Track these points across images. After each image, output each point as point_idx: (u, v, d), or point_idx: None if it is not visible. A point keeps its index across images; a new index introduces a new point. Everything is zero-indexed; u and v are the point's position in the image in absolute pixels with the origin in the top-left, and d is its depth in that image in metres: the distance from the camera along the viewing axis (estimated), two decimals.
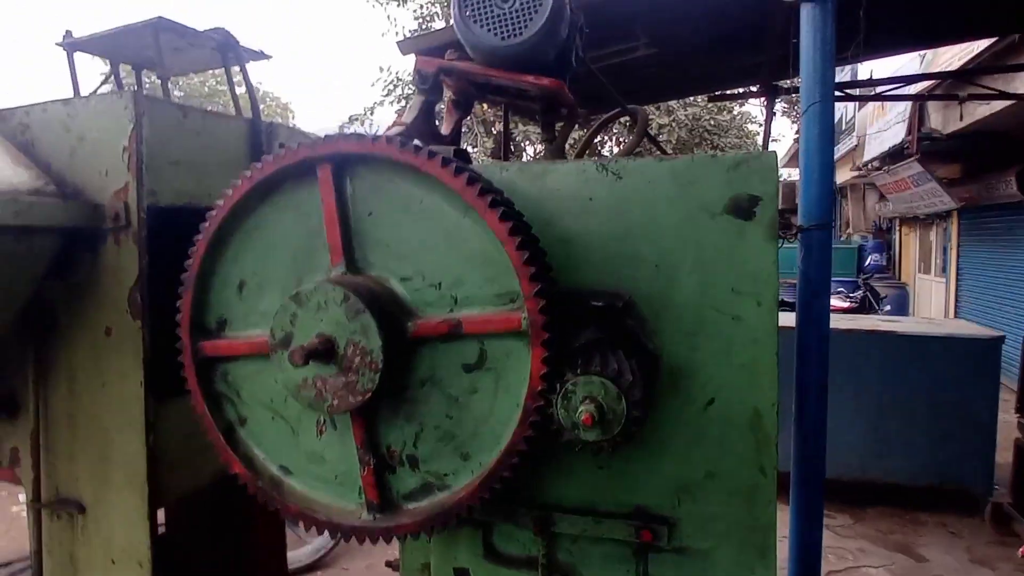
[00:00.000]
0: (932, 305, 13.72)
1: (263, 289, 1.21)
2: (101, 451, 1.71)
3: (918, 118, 8.08)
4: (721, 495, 1.22)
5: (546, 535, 1.25)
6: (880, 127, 9.95)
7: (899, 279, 15.29)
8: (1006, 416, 5.17)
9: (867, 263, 14.72)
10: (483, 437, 1.09)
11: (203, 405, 1.21)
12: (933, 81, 6.68)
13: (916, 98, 6.76)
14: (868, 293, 13.02)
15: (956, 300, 12.60)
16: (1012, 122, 6.87)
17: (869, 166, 11.09)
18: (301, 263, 1.17)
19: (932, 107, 7.88)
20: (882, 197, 13.02)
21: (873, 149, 10.21)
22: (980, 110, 6.66)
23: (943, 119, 7.81)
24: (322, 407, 1.08)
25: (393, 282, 1.11)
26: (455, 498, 1.08)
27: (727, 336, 1.19)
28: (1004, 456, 5.45)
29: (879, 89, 5.25)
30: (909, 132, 8.39)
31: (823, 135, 1.83)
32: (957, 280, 12.79)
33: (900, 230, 15.92)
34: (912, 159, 8.72)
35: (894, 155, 9.78)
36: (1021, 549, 4.74)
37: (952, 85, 6.46)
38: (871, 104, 9.95)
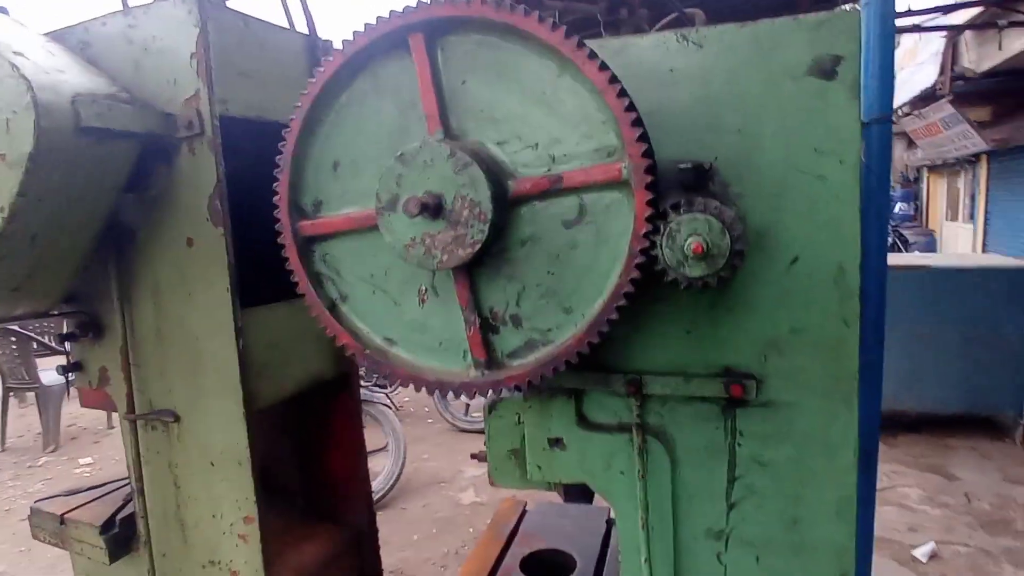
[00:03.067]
0: (959, 250, 13.63)
1: (357, 168, 1.26)
2: (192, 361, 1.78)
3: (951, 57, 7.92)
4: (807, 349, 1.27)
5: (639, 396, 1.31)
6: (911, 72, 9.77)
7: (926, 227, 15.21)
8: None
9: (895, 211, 14.67)
10: (584, 289, 1.14)
11: (306, 282, 1.27)
12: (972, 12, 6.51)
13: (955, 28, 6.61)
14: (897, 240, 13.00)
15: (984, 245, 12.53)
16: None
17: (899, 112, 10.91)
18: (395, 139, 1.22)
19: (966, 45, 7.70)
20: (911, 145, 12.84)
21: (903, 95, 10.06)
22: (1016, 44, 6.51)
23: (977, 57, 7.64)
24: (431, 264, 1.13)
25: (490, 146, 1.15)
26: (559, 349, 1.14)
27: (810, 195, 1.23)
28: None
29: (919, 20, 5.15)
30: (942, 72, 8.23)
31: (883, 27, 1.82)
32: (985, 225, 12.70)
33: (928, 179, 15.76)
34: (944, 100, 8.57)
35: (925, 98, 9.62)
36: None
37: (992, 15, 6.31)
38: (902, 48, 9.78)
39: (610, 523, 2.03)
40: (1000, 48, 6.84)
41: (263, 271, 1.88)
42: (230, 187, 1.71)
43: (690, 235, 1.02)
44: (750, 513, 1.35)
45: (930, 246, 13.65)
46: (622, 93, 1.03)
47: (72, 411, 6.63)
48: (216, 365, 1.74)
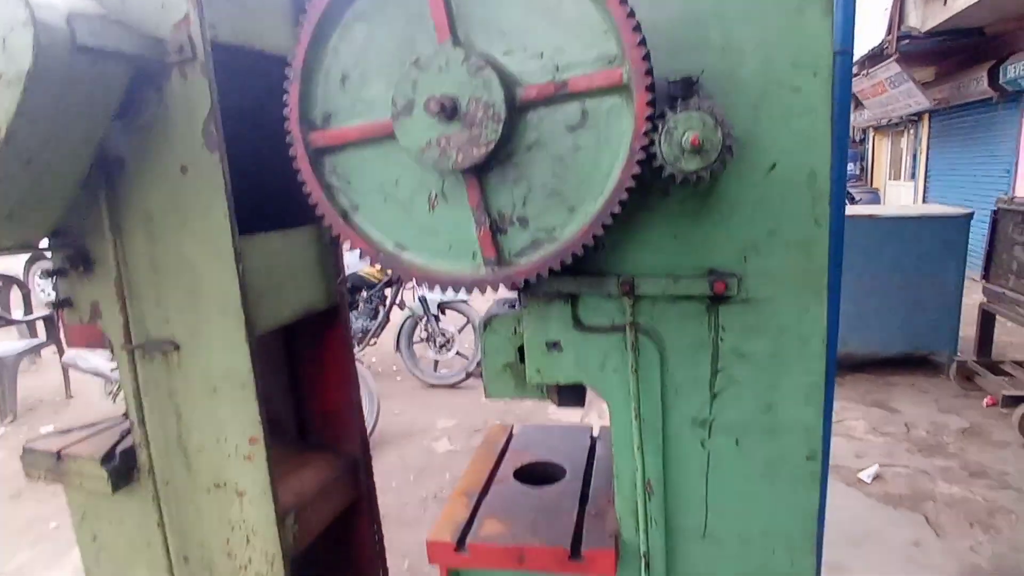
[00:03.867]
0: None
1: (366, 80, 1.31)
2: (190, 288, 1.81)
3: (899, 16, 8.23)
4: (782, 249, 1.40)
5: (631, 296, 1.43)
6: (860, 31, 10.14)
7: (871, 186, 15.91)
8: (974, 289, 5.56)
9: None
10: (588, 189, 1.24)
11: (319, 192, 1.33)
12: None
13: None
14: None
15: (923, 201, 13.21)
16: (989, 15, 7.04)
17: None
18: (403, 51, 1.27)
19: (913, 3, 8.00)
20: (858, 106, 13.30)
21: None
22: (960, 1, 6.81)
23: (922, 16, 7.95)
24: (447, 164, 1.21)
25: (498, 56, 1.22)
26: (564, 245, 1.24)
27: (787, 106, 1.35)
28: (966, 330, 5.85)
29: None
30: (889, 31, 8.54)
31: None
32: (925, 182, 13.36)
33: (873, 139, 16.39)
34: (891, 59, 8.92)
35: (873, 58, 9.97)
36: (986, 399, 5.21)
37: None
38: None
39: (594, 439, 2.17)
40: (945, 4, 7.15)
41: (251, 202, 1.91)
42: (223, 114, 1.72)
43: (687, 130, 1.12)
44: (730, 401, 1.50)
45: (874, 203, 14.34)
46: (623, 1, 1.11)
47: (29, 383, 6.45)
48: (215, 291, 1.77)
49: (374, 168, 1.33)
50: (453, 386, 6.01)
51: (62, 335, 5.31)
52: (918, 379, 5.75)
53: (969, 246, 5.70)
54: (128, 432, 2.09)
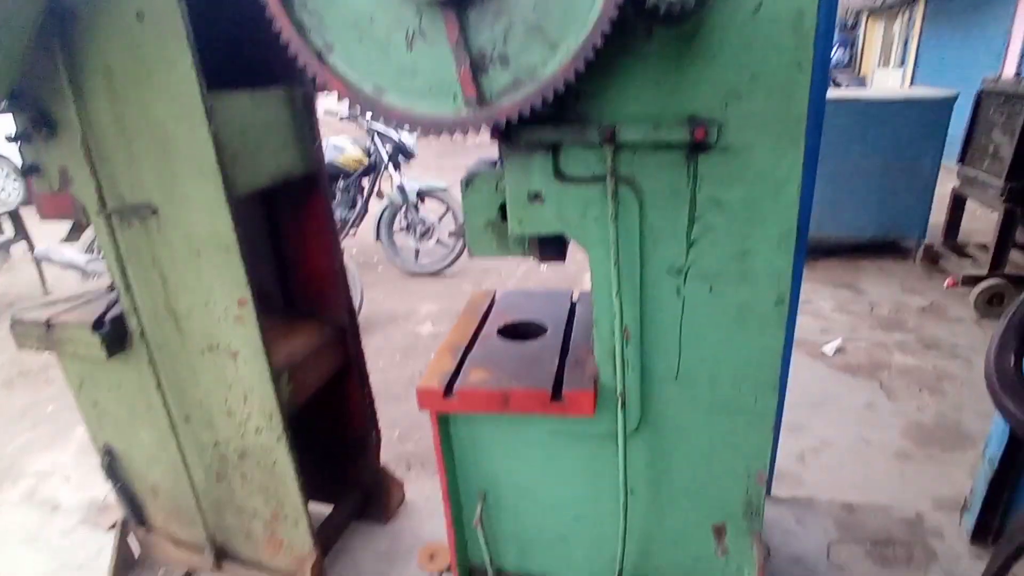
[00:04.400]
0: None
1: None
2: (161, 149, 1.77)
3: None
4: (763, 94, 1.40)
5: (612, 143, 1.44)
6: None
7: (859, 73, 15.63)
8: (948, 178, 5.62)
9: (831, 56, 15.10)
10: (570, 22, 1.21)
11: (291, 29, 1.28)
12: None
13: None
14: (831, 83, 13.48)
15: (911, 86, 13.05)
16: None
17: None
18: None
19: None
20: None
21: None
22: None
23: None
24: None
25: None
26: (546, 82, 1.23)
27: None
28: (936, 217, 5.96)
29: None
30: None
31: None
32: (914, 68, 13.15)
33: (866, 24, 15.88)
34: None
35: None
36: (947, 280, 5.42)
37: None
38: None
39: (573, 303, 2.25)
40: None
41: (218, 59, 1.83)
42: None
43: None
44: (706, 249, 1.55)
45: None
46: None
47: (3, 281, 6.39)
48: (189, 151, 1.74)
49: (347, 2, 1.28)
50: (435, 274, 6.08)
51: (36, 211, 5.17)
52: (886, 263, 5.93)
53: (949, 134, 5.72)
54: (115, 301, 2.12)
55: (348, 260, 4.85)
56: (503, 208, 1.66)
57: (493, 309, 2.23)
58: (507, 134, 1.47)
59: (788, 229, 1.52)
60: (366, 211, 6.16)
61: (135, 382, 2.15)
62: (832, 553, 2.47)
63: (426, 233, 6.02)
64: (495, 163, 1.74)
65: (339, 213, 5.98)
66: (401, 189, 5.86)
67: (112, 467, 2.35)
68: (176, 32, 1.62)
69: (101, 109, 1.79)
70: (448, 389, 1.72)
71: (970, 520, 2.50)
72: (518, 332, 2.05)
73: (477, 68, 1.27)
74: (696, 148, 1.46)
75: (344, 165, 5.92)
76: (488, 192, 1.67)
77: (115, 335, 2.05)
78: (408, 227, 6.03)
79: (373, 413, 2.63)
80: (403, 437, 3.49)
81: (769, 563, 1.76)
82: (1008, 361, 1.53)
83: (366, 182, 6.07)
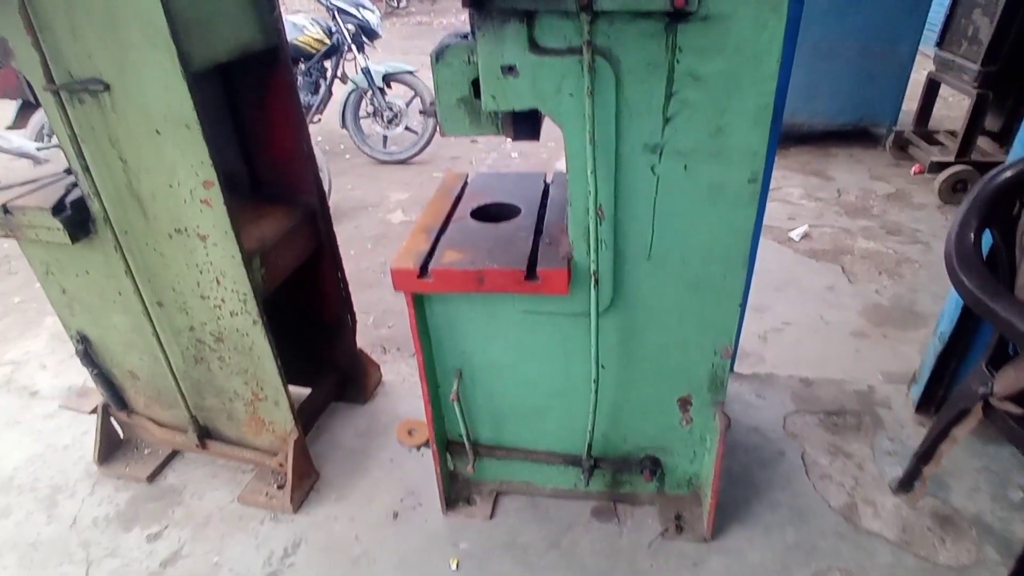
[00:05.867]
0: None
1: None
2: (108, 16, 1.63)
3: None
4: None
5: (589, 11, 1.38)
6: None
7: None
8: (924, 64, 5.54)
9: None
10: None
11: None
12: None
13: None
14: None
15: None
16: None
17: None
18: None
19: None
20: None
21: None
22: None
23: None
24: None
25: None
26: None
27: None
28: (909, 104, 5.93)
29: None
30: None
31: None
32: None
33: None
34: None
35: None
36: (914, 167, 5.49)
37: None
38: None
39: (547, 185, 2.23)
40: None
41: None
42: None
43: None
44: (682, 126, 1.54)
45: None
46: None
47: None
48: (139, 19, 1.61)
49: None
50: (404, 161, 5.95)
51: None
52: (856, 150, 5.97)
53: (929, 19, 5.57)
54: (74, 185, 2.04)
55: (315, 147, 4.72)
56: (476, 84, 1.60)
57: (466, 191, 2.21)
58: (479, 1, 1.39)
59: (765, 104, 1.50)
60: (330, 95, 5.90)
61: (103, 268, 2.12)
62: (788, 423, 2.66)
63: (394, 119, 5.81)
64: (466, 35, 1.66)
65: (303, 98, 5.72)
66: (366, 72, 5.59)
67: (88, 353, 2.36)
68: None
69: None
70: (423, 269, 1.73)
71: (917, 391, 2.69)
72: (492, 214, 2.04)
73: None
74: (675, 17, 1.41)
75: (305, 45, 5.58)
76: (460, 66, 1.60)
77: (78, 219, 1.99)
78: (375, 113, 5.81)
79: (348, 296, 2.66)
80: (377, 323, 3.56)
81: (729, 433, 1.90)
82: (968, 237, 1.59)
83: (328, 65, 5.76)
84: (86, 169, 1.90)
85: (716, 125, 1.53)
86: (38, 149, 4.64)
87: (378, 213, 4.98)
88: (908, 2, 5.50)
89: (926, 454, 2.17)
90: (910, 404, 2.73)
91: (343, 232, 4.57)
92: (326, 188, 4.56)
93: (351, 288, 2.70)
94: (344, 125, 5.90)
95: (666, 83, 1.49)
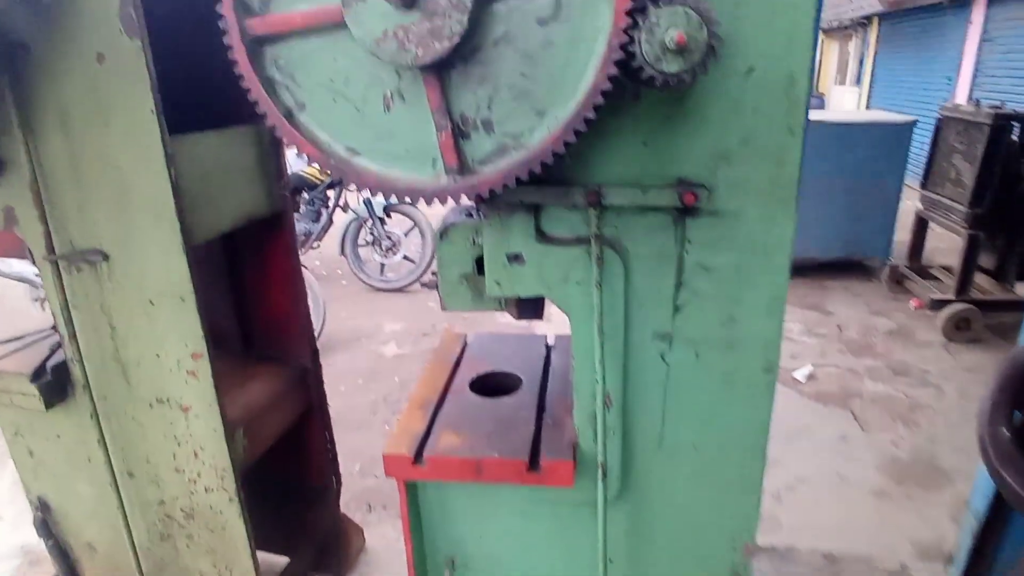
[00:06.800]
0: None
1: None
2: (117, 194, 1.64)
3: None
4: (753, 158, 1.34)
5: (598, 207, 1.36)
6: None
7: (816, 90, 16.02)
8: (910, 196, 5.74)
9: None
10: (559, 90, 1.13)
11: (259, 88, 1.17)
12: None
13: None
14: None
15: (867, 106, 13.38)
16: None
17: None
18: None
19: None
20: None
21: None
22: None
23: None
24: (406, 59, 1.07)
25: None
26: (533, 152, 1.15)
27: (770, 4, 1.25)
28: (900, 235, 6.08)
29: None
30: None
31: None
32: (870, 87, 13.48)
33: (822, 42, 16.29)
34: None
35: None
36: (912, 302, 5.51)
37: None
38: None
39: (549, 348, 2.17)
40: None
41: (184, 98, 1.72)
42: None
43: (671, 27, 1.02)
44: (693, 315, 1.49)
45: (818, 107, 14.51)
46: None
47: None
48: (146, 197, 1.62)
49: (322, 62, 1.18)
50: (400, 290, 5.95)
51: None
52: (852, 283, 6.02)
53: (911, 155, 5.84)
54: (59, 345, 1.96)
55: (310, 276, 4.70)
56: (480, 261, 1.56)
57: (465, 355, 2.13)
58: (490, 193, 1.37)
59: (778, 295, 1.46)
60: (331, 223, 6.01)
61: (75, 434, 1.99)
62: None
63: (392, 248, 5.89)
64: (471, 212, 1.65)
65: (303, 225, 5.82)
66: (367, 203, 5.72)
67: (46, 523, 2.18)
68: (139, 76, 1.50)
69: (54, 150, 1.66)
70: (418, 455, 1.62)
71: (955, 574, 2.49)
72: (491, 385, 1.95)
73: (459, 133, 1.18)
74: (684, 212, 1.39)
75: (310, 176, 5.76)
76: (464, 245, 1.57)
77: (56, 385, 1.89)
78: (374, 241, 5.90)
79: (334, 457, 2.51)
80: (364, 471, 3.37)
81: None
82: (1002, 433, 1.50)
83: (331, 194, 5.91)
84: (73, 336, 1.83)
85: (728, 314, 1.48)
86: (37, 275, 4.62)
87: (371, 345, 4.90)
88: (889, 142, 5.78)
89: None
90: None
91: (335, 365, 4.47)
92: (321, 318, 4.52)
93: (338, 430, 2.54)
94: (343, 252, 5.97)
95: (676, 273, 1.45)
